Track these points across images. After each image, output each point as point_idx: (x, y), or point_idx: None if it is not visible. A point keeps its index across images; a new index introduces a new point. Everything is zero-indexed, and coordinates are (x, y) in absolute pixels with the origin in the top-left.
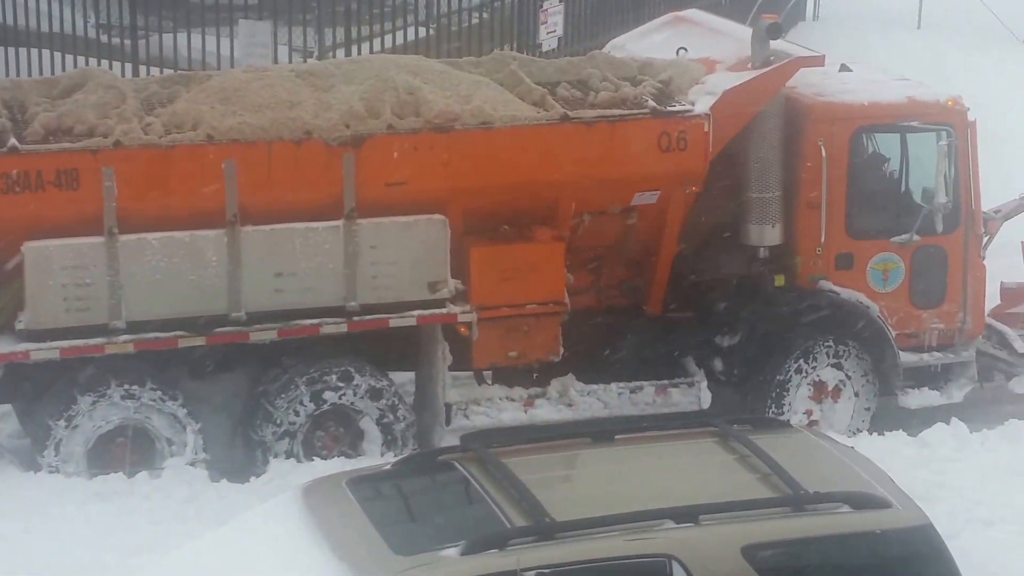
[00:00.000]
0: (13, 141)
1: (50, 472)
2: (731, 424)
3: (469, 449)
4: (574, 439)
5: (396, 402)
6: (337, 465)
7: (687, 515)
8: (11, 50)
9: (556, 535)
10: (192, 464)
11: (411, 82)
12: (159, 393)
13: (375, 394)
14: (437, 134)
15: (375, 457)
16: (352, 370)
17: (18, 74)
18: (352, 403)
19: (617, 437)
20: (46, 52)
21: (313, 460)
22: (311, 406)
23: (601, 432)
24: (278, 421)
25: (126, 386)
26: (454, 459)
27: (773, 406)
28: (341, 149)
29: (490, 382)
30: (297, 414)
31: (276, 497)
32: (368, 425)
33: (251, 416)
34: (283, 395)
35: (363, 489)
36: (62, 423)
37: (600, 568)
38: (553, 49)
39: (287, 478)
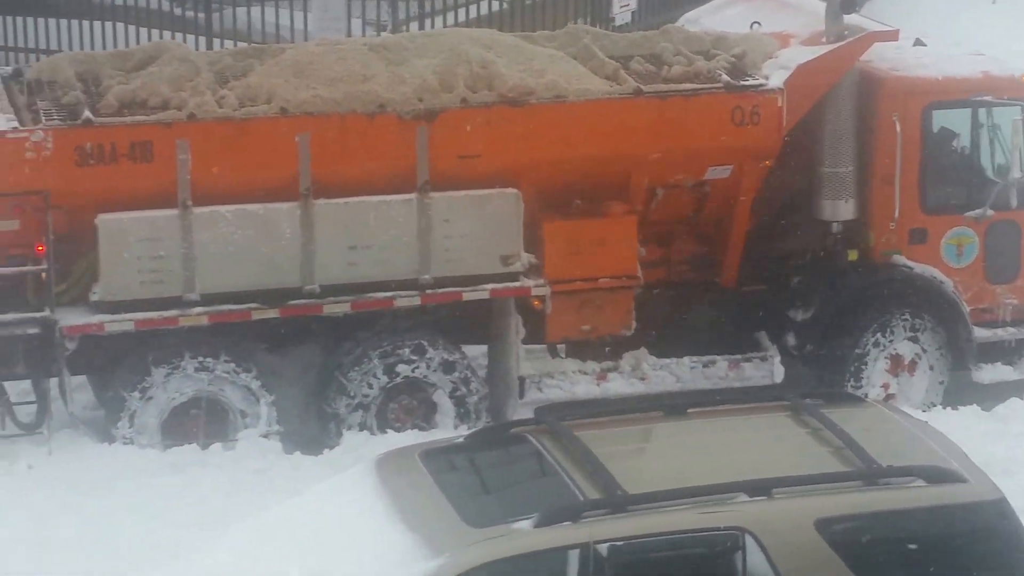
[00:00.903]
0: (87, 114)
1: (124, 444)
2: (804, 398)
3: (542, 422)
4: (647, 412)
5: (469, 375)
6: (410, 437)
7: (760, 488)
8: (85, 23)
9: (629, 508)
10: (266, 436)
11: (485, 56)
12: (233, 365)
13: (448, 367)
14: (511, 108)
15: (448, 430)
16: (425, 343)
17: (92, 48)
18: (425, 376)
19: (690, 411)
20: (120, 25)
21: (386, 432)
22: (384, 379)
23: (674, 405)
24: (352, 394)
25: (200, 358)
26: (527, 432)
27: (852, 379)
28: (414, 122)
29: (563, 356)
30: (370, 387)
31: (349, 469)
32: (441, 398)
33: (325, 389)
34: (357, 368)
35: (436, 461)
36: (136, 395)
37: (673, 541)
38: (627, 23)
39: (360, 450)
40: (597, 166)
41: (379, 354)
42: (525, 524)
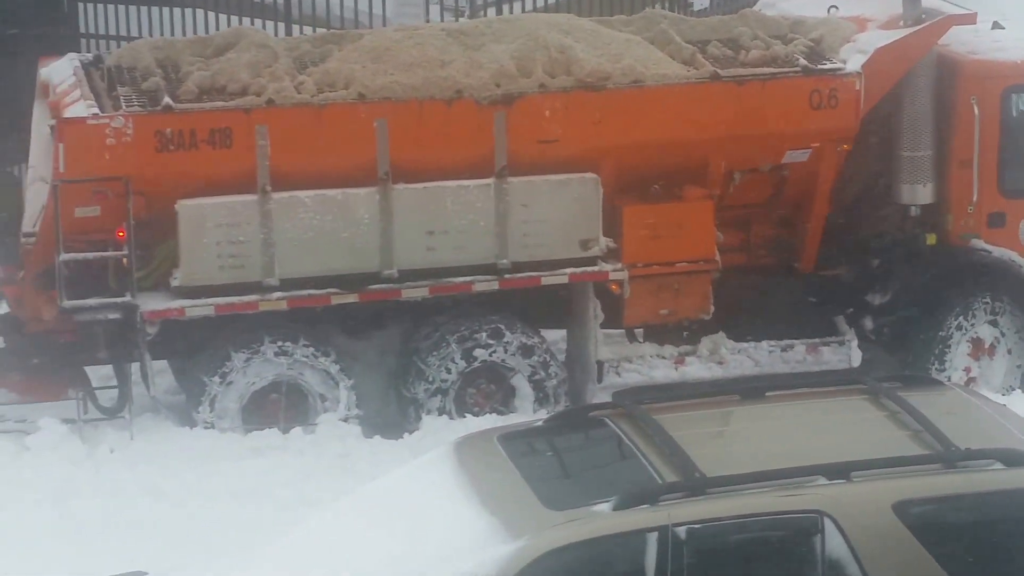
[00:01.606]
0: (167, 100)
1: (205, 428)
2: (881, 381)
3: (619, 405)
4: (724, 396)
5: (547, 359)
6: (489, 421)
7: (839, 471)
8: (165, 10)
9: (707, 491)
10: (345, 420)
11: (562, 41)
12: (312, 349)
13: (526, 351)
14: (588, 93)
15: (527, 414)
16: (503, 327)
17: (172, 34)
18: (503, 360)
19: (767, 394)
20: (200, 12)
21: (465, 417)
22: (462, 363)
23: (751, 389)
24: (430, 378)
25: (279, 343)
26: (605, 415)
27: (936, 363)
28: (492, 108)
29: (641, 340)
30: (449, 371)
31: (428, 453)
32: (519, 382)
33: (403, 374)
34: (435, 353)
35: (515, 445)
36: (216, 379)
37: (751, 524)
38: (705, 8)
39: (439, 434)
40: (675, 151)
41: (457, 339)
42: (604, 507)
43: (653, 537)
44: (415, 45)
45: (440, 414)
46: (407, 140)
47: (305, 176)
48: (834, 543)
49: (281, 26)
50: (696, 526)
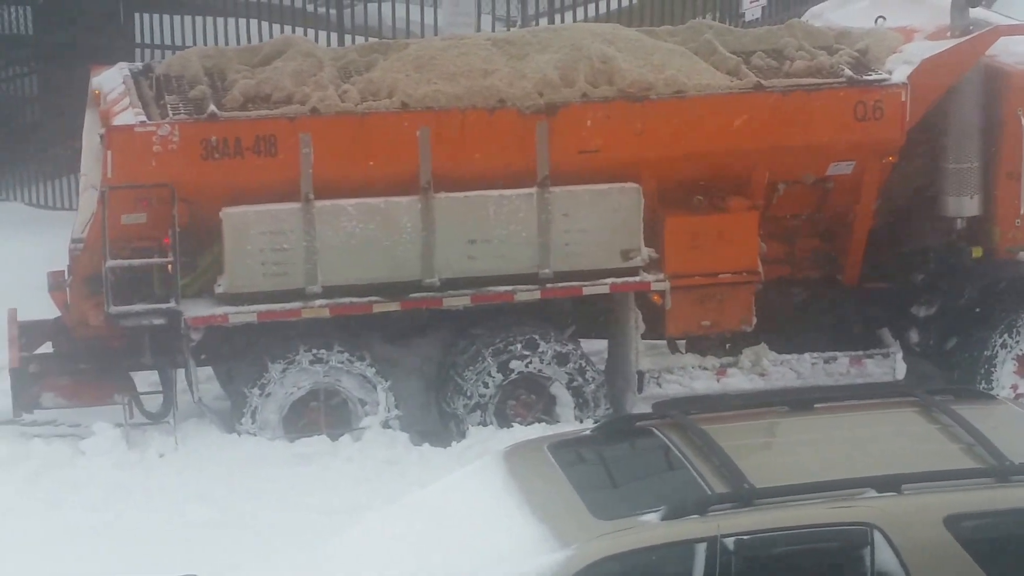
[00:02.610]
0: (212, 108)
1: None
2: (932, 394)
3: (669, 415)
4: (772, 407)
5: (584, 364)
6: (537, 430)
7: (889, 484)
8: (220, 20)
9: (756, 501)
10: (387, 422)
11: (605, 51)
12: (346, 355)
13: (561, 359)
14: (631, 103)
15: (569, 421)
16: (537, 337)
17: (227, 43)
18: (540, 370)
19: (816, 406)
20: (254, 22)
21: (512, 427)
22: (499, 376)
23: (800, 400)
24: (468, 393)
25: (314, 351)
26: (654, 425)
27: (983, 381)
28: (535, 117)
29: (683, 351)
30: (486, 385)
31: (478, 460)
32: (558, 390)
33: (442, 389)
34: (471, 367)
35: (564, 453)
36: (256, 391)
37: (800, 535)
38: (757, 19)
39: (488, 443)
40: (717, 161)
41: (491, 352)
42: (652, 517)
43: (702, 548)
44: (459, 55)
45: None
46: (449, 149)
47: (348, 184)
48: (884, 556)
49: (334, 36)
50: (745, 537)
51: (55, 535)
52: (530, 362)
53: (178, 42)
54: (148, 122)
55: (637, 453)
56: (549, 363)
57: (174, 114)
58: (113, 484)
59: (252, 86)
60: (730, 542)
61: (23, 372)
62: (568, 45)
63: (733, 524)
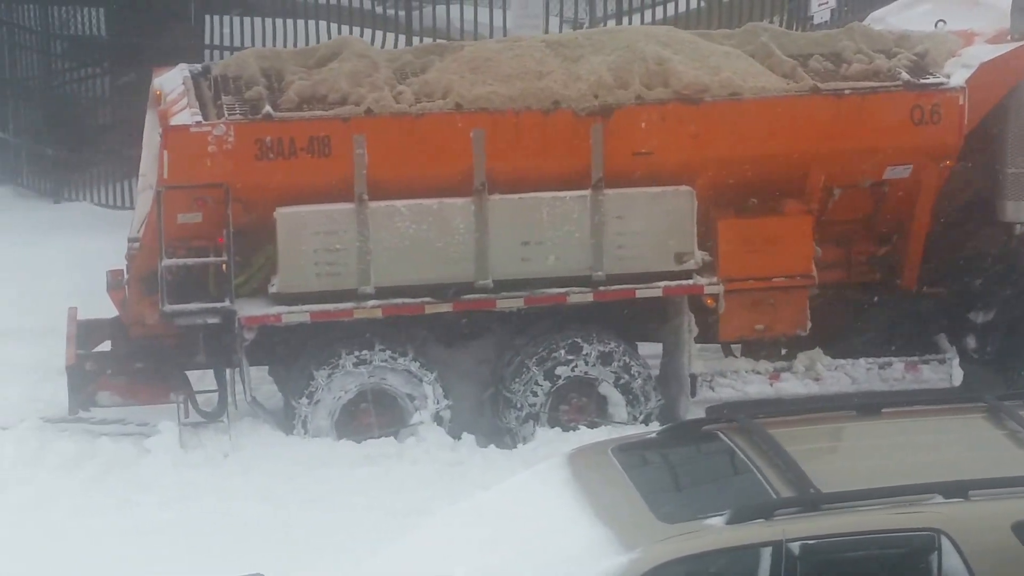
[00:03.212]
0: (268, 108)
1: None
2: (1002, 400)
3: (735, 419)
4: (839, 411)
5: (628, 360)
6: (602, 433)
7: (956, 490)
8: (289, 21)
9: (822, 506)
10: (437, 414)
11: (660, 53)
12: (388, 352)
13: (606, 358)
14: (685, 105)
15: (623, 418)
16: (579, 340)
17: (296, 45)
18: (586, 372)
19: (884, 410)
20: (323, 24)
21: (579, 429)
22: (547, 384)
23: (867, 405)
24: (518, 405)
25: (356, 353)
26: (719, 429)
27: None
28: (589, 119)
29: (737, 354)
30: (535, 395)
31: (542, 463)
32: (607, 390)
33: (494, 403)
34: (517, 379)
35: (628, 456)
36: (304, 400)
37: (866, 541)
38: (825, 22)
39: (552, 445)
40: (772, 164)
41: (535, 361)
42: (717, 520)
43: (767, 552)
44: (514, 56)
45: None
46: (503, 150)
47: (401, 185)
48: (951, 563)
49: (402, 38)
50: (810, 542)
51: (124, 533)
52: (575, 366)
53: (247, 43)
54: (204, 122)
55: (702, 457)
56: (594, 364)
57: (229, 114)
58: (179, 483)
59: (308, 87)
60: (795, 547)
61: (79, 370)
62: (623, 47)
63: (798, 529)
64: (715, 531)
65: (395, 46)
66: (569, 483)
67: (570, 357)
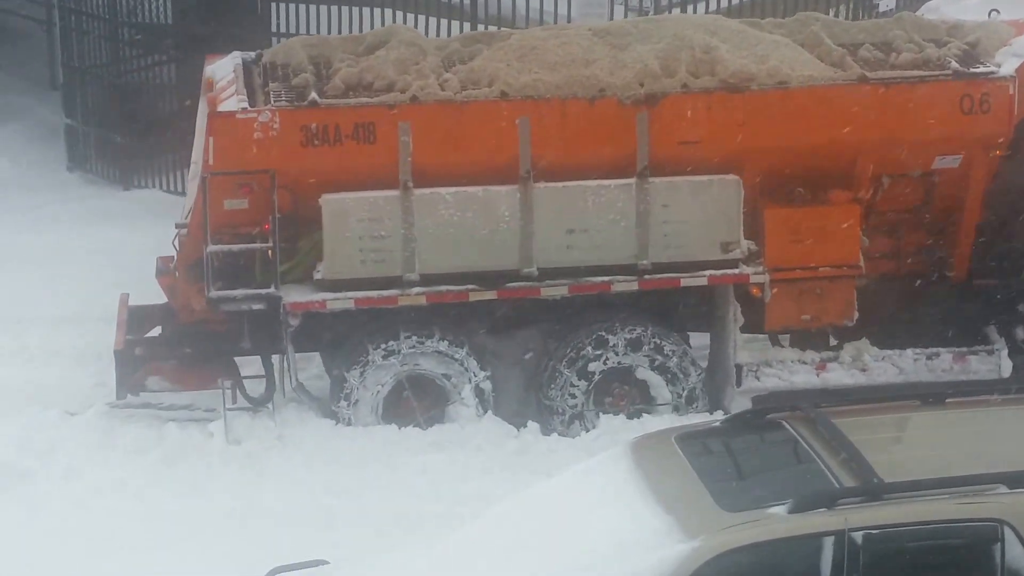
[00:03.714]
0: (313, 95)
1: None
2: None
3: (798, 408)
4: (903, 401)
5: (659, 342)
6: (665, 421)
7: (1020, 480)
8: (355, 9)
9: (885, 496)
10: (477, 386)
11: (707, 41)
12: (414, 338)
13: (635, 344)
14: (732, 94)
15: (667, 399)
16: (603, 333)
17: (361, 33)
18: (619, 362)
19: (948, 400)
20: (388, 11)
21: (642, 417)
22: (583, 383)
23: (932, 395)
24: (560, 411)
25: (383, 345)
26: (782, 418)
27: None
28: (635, 107)
29: (783, 344)
30: (574, 396)
31: (605, 451)
32: (645, 374)
33: (538, 413)
34: (553, 386)
35: (691, 445)
36: (344, 404)
37: (929, 531)
38: (891, 9)
39: (616, 434)
40: (819, 154)
41: (566, 363)
42: (780, 509)
43: (829, 541)
44: (560, 44)
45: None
46: (548, 138)
47: (446, 172)
48: (1015, 553)
49: (467, 26)
50: (873, 531)
51: (191, 519)
52: (606, 359)
53: (313, 31)
54: (249, 108)
55: (765, 445)
56: (624, 353)
57: (275, 101)
58: (244, 470)
59: (354, 74)
60: (858, 536)
61: (128, 355)
62: (670, 35)
63: (861, 518)
64: (777, 520)
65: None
66: (632, 471)
67: (598, 352)
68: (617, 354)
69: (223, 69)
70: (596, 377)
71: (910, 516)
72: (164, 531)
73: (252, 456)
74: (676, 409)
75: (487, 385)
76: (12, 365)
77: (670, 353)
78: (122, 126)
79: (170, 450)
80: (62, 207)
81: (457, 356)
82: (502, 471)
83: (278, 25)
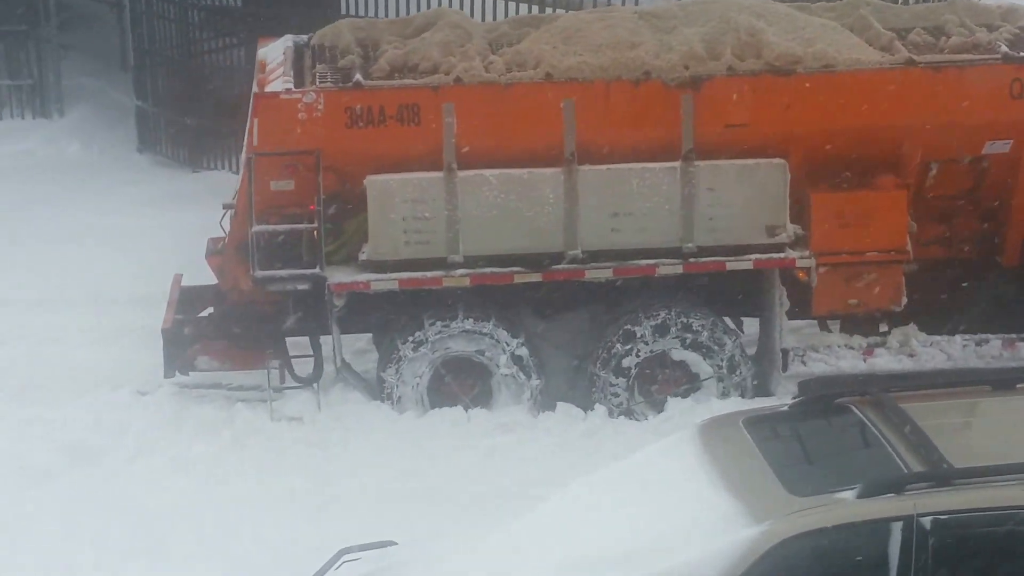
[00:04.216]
0: (358, 76)
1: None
2: None
3: (867, 393)
4: (973, 386)
5: (685, 320)
6: (732, 405)
7: None
8: None
9: (954, 481)
10: (512, 353)
11: (754, 24)
12: (439, 323)
13: (662, 330)
14: (777, 77)
15: (707, 372)
16: (630, 326)
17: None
18: (651, 351)
19: (1019, 385)
20: None
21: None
22: (622, 380)
23: (1002, 380)
24: (610, 411)
25: (409, 338)
26: (850, 402)
27: None
28: (679, 90)
29: (830, 329)
30: (616, 395)
31: (673, 434)
32: (680, 355)
33: (583, 390)
34: (593, 391)
35: (759, 429)
36: (388, 404)
37: (998, 517)
38: None
39: (684, 416)
40: (866, 138)
41: (600, 364)
42: (848, 494)
43: (897, 527)
44: (606, 27)
45: (631, 416)
46: (593, 121)
47: (490, 155)
48: None
49: (535, 8)
50: (942, 517)
51: (259, 499)
52: (637, 351)
53: (381, 14)
54: (293, 89)
55: (833, 430)
56: (654, 340)
57: (320, 82)
58: (313, 450)
59: (399, 56)
60: (927, 522)
61: (176, 333)
62: (716, 18)
63: (930, 504)
64: (846, 505)
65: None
66: (700, 455)
67: (628, 347)
68: (647, 343)
69: (275, 51)
70: (633, 371)
71: (980, 502)
72: (234, 511)
73: (321, 438)
74: (720, 380)
75: (523, 351)
76: (85, 345)
77: (699, 328)
78: (192, 108)
79: (239, 430)
80: (133, 188)
81: (497, 336)
82: (570, 453)
83: (347, 7)
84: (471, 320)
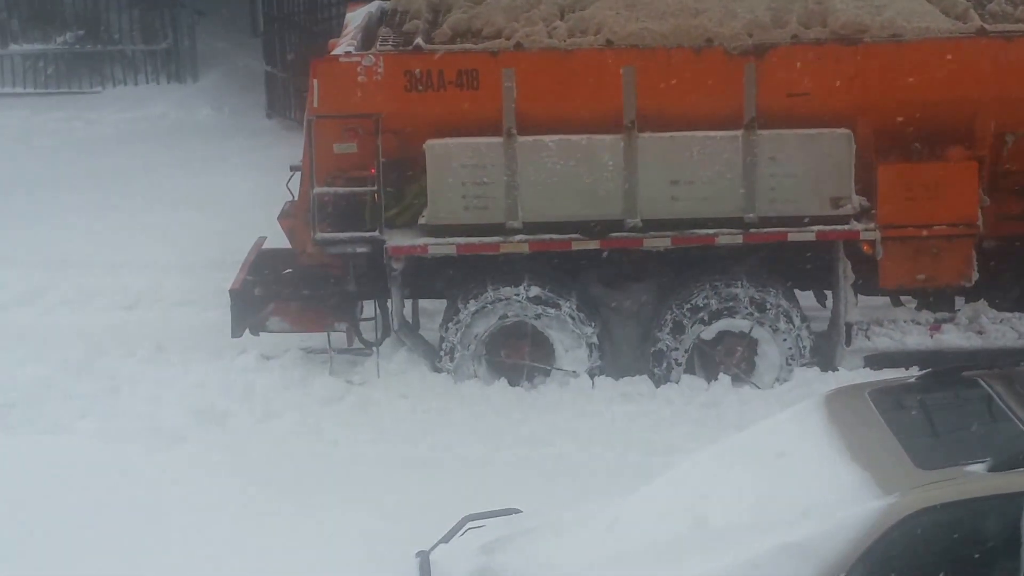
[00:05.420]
0: (419, 40)
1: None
2: None
3: (995, 366)
4: None
5: (752, 294)
6: (860, 376)
7: None
8: None
9: None
10: (571, 315)
11: None
12: (489, 294)
13: (727, 301)
14: (843, 46)
15: (764, 338)
16: (676, 318)
17: None
18: (699, 338)
19: None
20: None
21: (835, 370)
22: (681, 350)
23: None
24: (669, 364)
25: (453, 319)
26: (979, 375)
27: None
28: (742, 58)
29: (908, 304)
30: (679, 364)
31: (798, 404)
32: (757, 331)
33: (647, 362)
34: (669, 335)
35: (885, 400)
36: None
37: None
38: None
39: (810, 386)
40: (935, 109)
41: (655, 355)
42: (978, 468)
43: None
44: None
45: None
46: (654, 88)
47: (550, 121)
48: None
49: None
50: None
51: (379, 465)
52: (722, 314)
53: None
54: (352, 53)
55: (960, 403)
56: (719, 311)
57: (382, 46)
58: (437, 416)
59: (463, 20)
60: None
61: (244, 294)
62: None
63: None
64: (976, 478)
65: None
66: (825, 425)
67: (669, 339)
68: (736, 309)
69: (358, 16)
70: (695, 342)
71: None
72: (359, 475)
73: (443, 404)
74: (783, 354)
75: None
76: (213, 307)
77: (764, 301)
78: None
79: (361, 396)
80: (262, 153)
81: (558, 303)
82: (692, 423)
83: None
84: (533, 287)
